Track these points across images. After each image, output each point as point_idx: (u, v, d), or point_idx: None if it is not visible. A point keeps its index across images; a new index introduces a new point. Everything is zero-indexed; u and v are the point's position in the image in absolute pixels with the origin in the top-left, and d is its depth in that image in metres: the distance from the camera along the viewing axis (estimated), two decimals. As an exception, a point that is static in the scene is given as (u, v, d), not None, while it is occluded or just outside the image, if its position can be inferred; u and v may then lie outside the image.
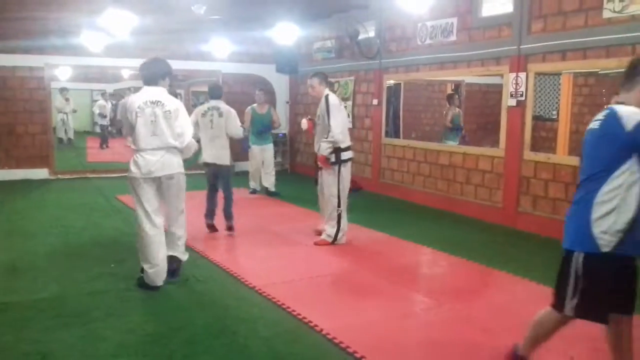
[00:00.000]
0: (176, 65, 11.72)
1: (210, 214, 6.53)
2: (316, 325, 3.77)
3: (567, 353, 3.15)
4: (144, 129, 4.39)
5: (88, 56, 10.58)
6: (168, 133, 4.45)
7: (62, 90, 16.89)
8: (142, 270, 4.54)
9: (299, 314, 3.98)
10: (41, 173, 10.57)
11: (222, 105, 6.53)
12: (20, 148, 10.44)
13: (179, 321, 3.87)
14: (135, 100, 4.47)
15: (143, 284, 4.53)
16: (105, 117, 17.63)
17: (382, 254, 5.79)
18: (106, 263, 5.25)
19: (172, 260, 4.70)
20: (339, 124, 5.82)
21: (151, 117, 4.40)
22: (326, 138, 5.81)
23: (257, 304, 4.25)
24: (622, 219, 2.57)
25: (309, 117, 6.74)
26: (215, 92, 6.67)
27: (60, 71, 14.31)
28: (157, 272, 4.48)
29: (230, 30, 10.82)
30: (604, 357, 3.20)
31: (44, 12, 8.68)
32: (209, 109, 6.46)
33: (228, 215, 6.46)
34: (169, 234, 4.72)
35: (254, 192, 9.29)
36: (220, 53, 11.37)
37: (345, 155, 5.94)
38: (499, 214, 7.15)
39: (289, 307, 4.10)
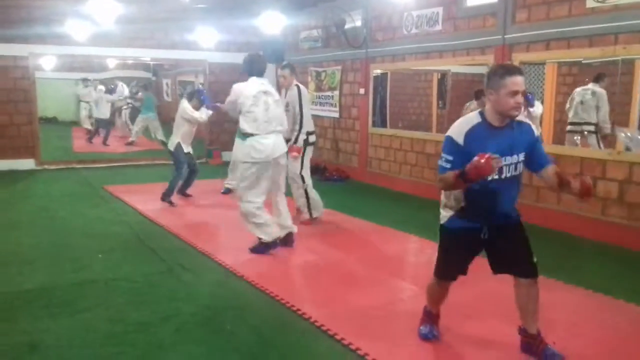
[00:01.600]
0: (162, 54, 11.83)
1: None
2: (304, 313, 3.82)
3: (548, 338, 3.23)
4: (261, 116, 5.04)
5: (73, 45, 10.48)
6: (278, 119, 5.19)
7: (84, 80, 16.81)
8: (260, 239, 5.20)
9: (287, 302, 4.02)
10: (27, 163, 10.48)
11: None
12: (5, 138, 10.34)
13: (167, 310, 3.90)
14: (247, 89, 5.07)
15: (263, 247, 5.18)
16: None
17: (369, 242, 5.85)
18: (93, 253, 5.26)
19: (288, 235, 5.41)
20: (308, 113, 6.41)
21: (265, 105, 5.07)
22: (299, 128, 6.26)
23: (245, 293, 4.29)
24: None
25: None
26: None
27: (45, 60, 14.13)
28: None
29: (216, 19, 10.77)
30: (584, 342, 3.30)
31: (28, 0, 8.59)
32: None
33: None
34: (275, 210, 5.46)
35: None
36: (206, 42, 11.32)
37: (312, 138, 6.49)
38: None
39: (277, 296, 4.15)
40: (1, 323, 3.68)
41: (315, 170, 10.01)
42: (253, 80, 5.16)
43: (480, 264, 5.13)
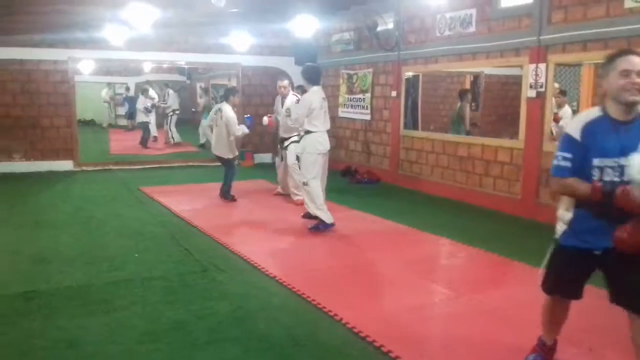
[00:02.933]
0: (196, 58, 12.01)
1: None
2: (336, 315, 3.83)
3: (586, 344, 3.17)
4: (322, 117, 6.23)
5: (110, 49, 10.72)
6: (328, 120, 6.39)
7: (109, 84, 17.55)
8: (317, 217, 6.17)
9: (319, 304, 4.04)
10: (66, 165, 10.77)
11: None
12: (45, 140, 10.66)
13: (201, 310, 3.96)
14: (315, 97, 6.20)
15: (324, 226, 6.13)
16: (150, 111, 15.55)
17: (400, 244, 5.83)
18: (129, 252, 5.38)
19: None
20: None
21: (324, 109, 6.29)
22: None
23: (278, 294, 4.33)
24: None
25: (269, 114, 8.36)
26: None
27: (83, 64, 14.52)
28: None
29: (250, 23, 10.87)
30: (622, 349, 3.22)
31: (68, 5, 8.79)
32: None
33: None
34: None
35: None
36: (240, 46, 11.44)
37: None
38: (518, 205, 7.13)
39: (309, 297, 4.17)
40: (41, 320, 3.79)
41: (346, 172, 10.03)
42: (315, 89, 6.27)
43: (514, 267, 5.07)
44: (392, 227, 6.53)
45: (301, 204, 6.98)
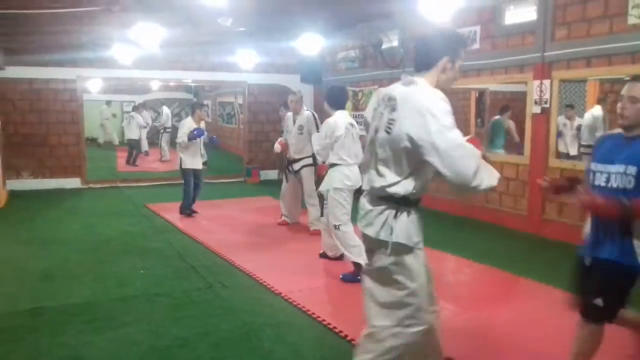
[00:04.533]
0: (203, 76, 12.13)
1: None
2: (341, 332, 3.83)
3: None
4: (351, 147, 5.26)
5: (118, 68, 10.86)
6: (359, 151, 5.23)
7: (107, 102, 18.44)
8: (356, 264, 5.03)
9: (324, 320, 4.04)
10: (74, 182, 10.86)
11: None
12: (54, 158, 10.76)
13: (205, 326, 3.97)
14: (340, 123, 5.27)
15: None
16: (145, 127, 16.30)
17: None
18: (135, 269, 5.41)
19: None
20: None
21: (352, 137, 5.29)
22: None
23: (283, 310, 4.33)
24: None
25: (280, 139, 7.57)
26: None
27: (92, 83, 14.69)
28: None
29: (256, 41, 10.99)
30: None
31: (77, 25, 8.93)
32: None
33: None
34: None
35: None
36: (246, 64, 11.54)
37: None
38: (524, 221, 7.12)
39: (314, 314, 4.17)
40: (48, 336, 3.81)
41: (355, 191, 10.02)
42: (340, 113, 5.38)
43: (519, 283, 5.04)
44: (397, 244, 6.50)
45: (316, 234, 6.49)
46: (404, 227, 2.67)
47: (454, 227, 7.48)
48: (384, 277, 2.67)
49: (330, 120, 5.34)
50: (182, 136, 7.76)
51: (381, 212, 2.67)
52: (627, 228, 2.71)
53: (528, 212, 7.11)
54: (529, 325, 4.03)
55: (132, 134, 15.75)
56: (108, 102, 20.14)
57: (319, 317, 4.11)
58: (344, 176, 5.22)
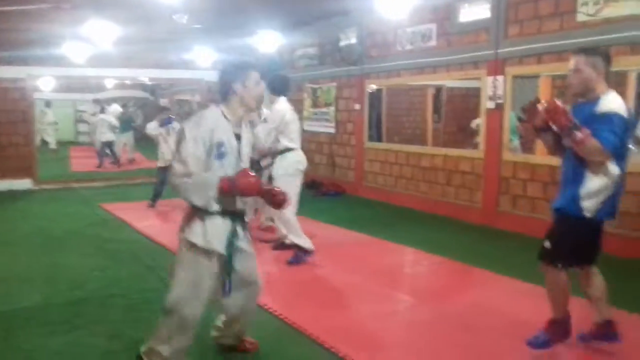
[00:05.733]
0: (159, 74, 11.95)
1: None
2: (300, 326, 3.83)
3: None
4: (297, 131, 5.50)
5: (71, 66, 10.58)
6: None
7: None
8: (295, 246, 5.35)
9: (282, 315, 4.03)
10: (25, 183, 10.52)
11: None
12: (3, 159, 10.40)
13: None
14: (286, 107, 5.46)
15: (305, 254, 5.36)
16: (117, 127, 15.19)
17: (365, 255, 5.87)
18: (90, 271, 5.27)
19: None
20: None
21: (297, 123, 5.57)
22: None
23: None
24: None
25: None
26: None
27: (43, 82, 14.26)
28: None
29: (213, 38, 10.88)
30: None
31: (27, 23, 8.67)
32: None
33: None
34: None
35: None
36: (203, 61, 11.43)
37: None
38: (479, 214, 7.26)
39: (274, 310, 4.14)
40: (0, 341, 3.69)
41: (312, 185, 10.06)
42: (284, 100, 5.52)
43: (476, 274, 5.17)
44: (356, 238, 6.56)
45: (266, 229, 6.51)
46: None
47: (412, 221, 7.58)
48: None
49: (276, 106, 5.48)
50: (154, 128, 8.21)
51: None
52: (576, 177, 3.12)
53: (483, 205, 7.26)
54: (486, 315, 4.11)
55: (104, 136, 14.66)
56: (48, 103, 18.29)
57: (280, 314, 4.09)
58: (296, 161, 5.45)
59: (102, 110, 15.27)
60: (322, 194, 9.70)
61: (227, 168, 2.93)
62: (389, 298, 4.57)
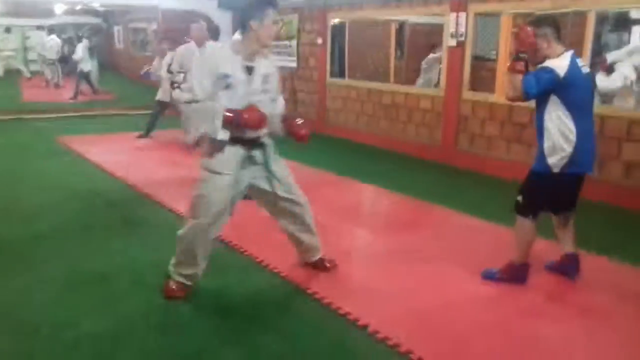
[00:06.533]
0: (111, 0, 11.36)
1: None
2: (262, 261, 3.91)
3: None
4: None
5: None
6: None
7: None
8: None
9: (246, 251, 4.10)
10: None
11: None
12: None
13: (124, 261, 3.91)
14: None
15: None
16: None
17: (327, 192, 5.92)
18: (47, 206, 5.19)
19: None
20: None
21: None
22: None
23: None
24: None
25: None
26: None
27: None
28: None
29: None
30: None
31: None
32: None
33: None
34: None
35: None
36: (159, -12, 10.93)
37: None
38: (439, 151, 7.40)
39: (236, 245, 4.20)
40: (-47, 278, 3.64)
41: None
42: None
43: (434, 210, 5.32)
44: (318, 175, 6.61)
45: None
46: None
47: (373, 159, 7.66)
48: None
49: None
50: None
51: None
52: (540, 134, 3.36)
53: (442, 143, 7.39)
54: (443, 247, 4.28)
55: (85, 65, 13.78)
56: (7, 29, 18.00)
57: (241, 248, 4.16)
58: None
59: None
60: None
61: (235, 100, 3.11)
62: (350, 234, 4.67)
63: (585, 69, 3.40)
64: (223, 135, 3.10)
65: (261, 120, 3.14)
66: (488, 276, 3.63)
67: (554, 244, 3.87)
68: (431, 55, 9.39)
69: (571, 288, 3.63)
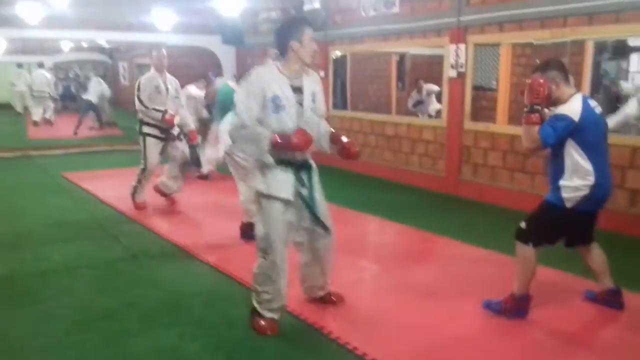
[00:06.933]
0: (118, 37, 11.60)
1: None
2: (268, 295, 3.90)
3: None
4: None
5: (25, 28, 10.16)
6: None
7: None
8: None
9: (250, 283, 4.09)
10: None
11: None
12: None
13: (132, 297, 3.92)
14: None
15: None
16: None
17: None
18: (54, 242, 5.22)
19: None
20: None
21: None
22: None
23: (210, 276, 4.35)
24: None
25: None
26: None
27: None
28: None
29: (173, 0, 10.60)
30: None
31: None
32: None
33: None
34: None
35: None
36: (163, 24, 11.13)
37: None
38: (442, 182, 7.43)
39: (241, 279, 4.19)
40: (-37, 315, 3.65)
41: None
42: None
43: (438, 242, 5.31)
44: (322, 207, 6.62)
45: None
46: None
47: (377, 190, 7.69)
48: None
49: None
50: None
51: None
52: (556, 171, 3.38)
53: (446, 174, 7.42)
54: (448, 280, 4.26)
55: (92, 98, 14.00)
56: (19, 65, 18.01)
57: (247, 283, 4.15)
58: None
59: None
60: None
61: (286, 121, 3.17)
62: (353, 266, 4.67)
63: (598, 110, 3.41)
64: (270, 159, 3.16)
65: (309, 143, 3.19)
66: (489, 308, 3.61)
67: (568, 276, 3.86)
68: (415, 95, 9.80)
69: (572, 321, 3.59)
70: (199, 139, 7.02)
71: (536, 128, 3.28)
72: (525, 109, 3.35)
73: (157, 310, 3.71)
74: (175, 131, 6.33)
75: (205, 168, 7.83)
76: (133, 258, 4.80)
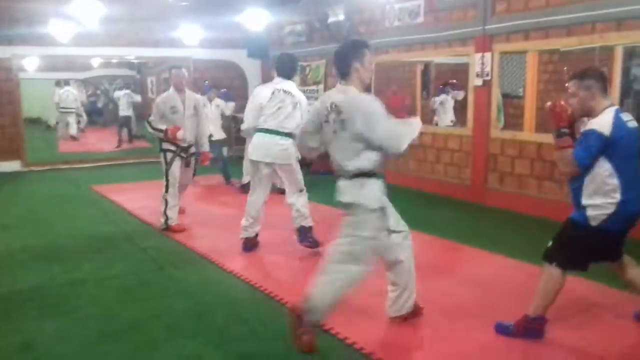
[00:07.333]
0: (146, 52, 11.81)
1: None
2: (288, 302, 3.89)
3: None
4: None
5: (56, 45, 10.42)
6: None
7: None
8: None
9: (277, 296, 4.10)
10: (13, 165, 10.45)
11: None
12: (-9, 141, 10.31)
13: (158, 308, 3.96)
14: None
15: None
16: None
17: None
18: (83, 253, 5.31)
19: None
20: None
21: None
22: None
23: (236, 288, 4.37)
24: None
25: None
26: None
27: (28, 61, 14.02)
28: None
29: (200, 16, 10.76)
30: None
31: (11, 1, 8.53)
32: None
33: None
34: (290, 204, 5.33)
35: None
36: (190, 39, 11.30)
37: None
38: (468, 191, 7.35)
39: (266, 289, 4.22)
40: (-5, 324, 3.73)
41: (302, 164, 10.07)
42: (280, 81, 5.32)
43: (465, 251, 5.24)
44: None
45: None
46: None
47: (402, 199, 7.59)
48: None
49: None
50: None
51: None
52: (580, 188, 3.22)
53: (471, 182, 7.34)
54: (476, 291, 4.20)
55: (124, 111, 14.78)
56: (58, 83, 18.50)
57: (271, 292, 4.16)
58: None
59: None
60: (312, 172, 9.72)
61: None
62: (378, 276, 4.61)
63: (632, 124, 3.23)
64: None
65: None
66: (501, 331, 3.43)
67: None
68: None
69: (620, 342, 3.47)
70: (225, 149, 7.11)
71: (569, 151, 3.15)
72: (553, 135, 3.27)
73: (183, 320, 3.74)
74: (192, 150, 6.19)
75: (245, 179, 7.75)
76: (160, 269, 4.85)
